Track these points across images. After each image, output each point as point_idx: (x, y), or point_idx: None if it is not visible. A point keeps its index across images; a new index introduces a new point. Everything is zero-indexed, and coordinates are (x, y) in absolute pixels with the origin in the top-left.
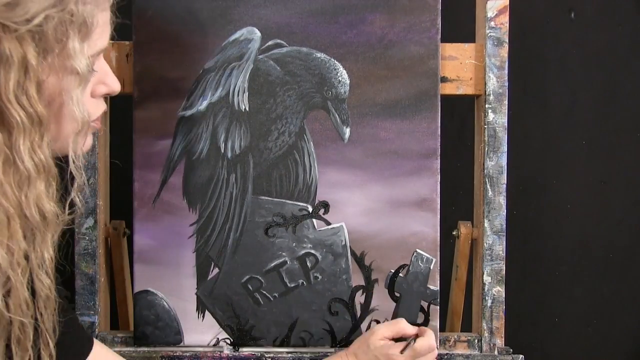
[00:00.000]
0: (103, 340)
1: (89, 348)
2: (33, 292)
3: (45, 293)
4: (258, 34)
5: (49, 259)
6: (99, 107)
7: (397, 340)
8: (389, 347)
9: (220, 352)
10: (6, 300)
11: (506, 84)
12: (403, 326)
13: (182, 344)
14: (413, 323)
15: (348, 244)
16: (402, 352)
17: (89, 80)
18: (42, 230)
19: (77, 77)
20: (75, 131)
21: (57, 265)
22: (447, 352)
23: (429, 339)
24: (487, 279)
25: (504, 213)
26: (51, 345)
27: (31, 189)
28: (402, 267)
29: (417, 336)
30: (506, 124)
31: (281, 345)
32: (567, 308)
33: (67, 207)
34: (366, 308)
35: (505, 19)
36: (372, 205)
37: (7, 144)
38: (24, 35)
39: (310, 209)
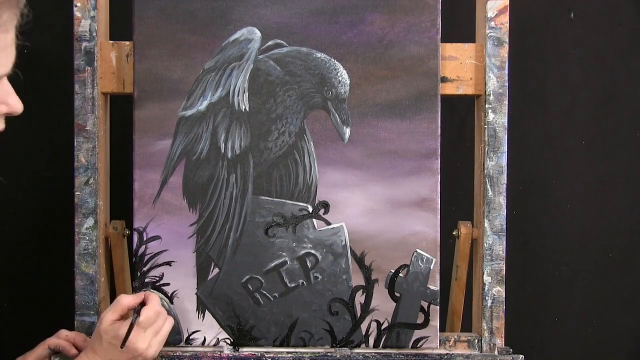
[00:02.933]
0: None
1: None
2: None
3: None
4: (258, 34)
5: None
6: None
7: (126, 317)
8: (118, 329)
9: (221, 352)
10: None
11: (506, 84)
12: (123, 302)
13: (182, 344)
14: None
15: (348, 244)
16: (127, 333)
17: None
18: None
19: None
20: None
21: None
22: (447, 352)
23: (152, 306)
24: (487, 279)
25: (504, 213)
26: None
27: None
28: (402, 267)
29: (142, 305)
30: (506, 124)
31: (281, 345)
32: (567, 308)
33: None
34: (366, 308)
35: (505, 19)
36: (372, 205)
37: None
38: None
39: (311, 209)
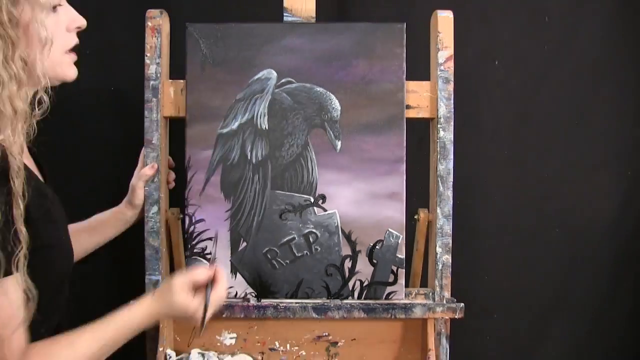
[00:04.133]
0: None
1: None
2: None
3: (15, 166)
4: (275, 74)
5: (20, 143)
6: (72, 40)
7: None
8: (191, 310)
9: (248, 302)
10: None
11: (452, 110)
12: (196, 275)
13: None
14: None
15: (339, 225)
16: (204, 315)
17: (51, 9)
18: (14, 122)
19: (41, 6)
20: (42, 49)
21: None
22: (410, 302)
23: (222, 285)
24: (438, 250)
25: (451, 203)
26: (21, 205)
27: (4, 90)
28: (378, 241)
29: (213, 282)
30: (452, 139)
31: (291, 297)
32: (493, 268)
33: (36, 105)
34: (352, 271)
35: (451, 64)
36: (357, 197)
37: None
38: None
39: (312, 200)
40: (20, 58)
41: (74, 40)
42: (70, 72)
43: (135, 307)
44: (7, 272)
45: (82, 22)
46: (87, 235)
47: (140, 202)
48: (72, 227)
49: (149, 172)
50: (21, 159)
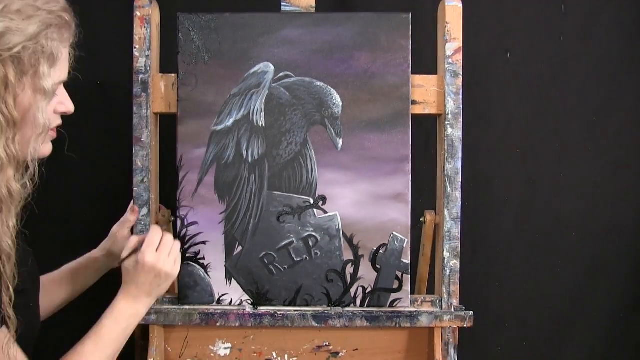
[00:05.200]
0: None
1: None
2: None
3: (7, 252)
4: (272, 67)
5: (12, 226)
6: (56, 120)
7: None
8: (160, 263)
9: (244, 310)
10: None
11: (461, 106)
12: (131, 239)
13: (214, 303)
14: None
15: (341, 228)
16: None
17: (52, 97)
18: (8, 204)
19: (44, 94)
20: (37, 133)
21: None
22: (416, 309)
23: (152, 229)
24: (446, 254)
25: (459, 204)
26: (11, 289)
27: (2, 174)
28: (382, 245)
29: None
30: (461, 136)
31: (290, 305)
32: (505, 275)
33: (19, 186)
34: (354, 277)
35: (459, 57)
36: (359, 198)
37: None
38: (6, 60)
39: (312, 201)
40: (19, 141)
41: (57, 122)
42: (46, 150)
43: (112, 305)
44: None
45: (70, 108)
46: (57, 287)
47: (117, 250)
48: (42, 279)
49: (132, 217)
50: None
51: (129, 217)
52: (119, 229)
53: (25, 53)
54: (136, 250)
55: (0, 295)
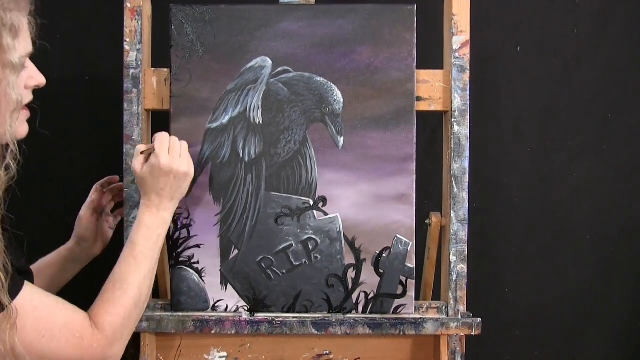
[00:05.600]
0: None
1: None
2: None
3: None
4: (270, 62)
5: None
6: (28, 96)
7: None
8: (176, 162)
9: (240, 316)
10: None
11: (468, 102)
12: (138, 147)
13: (209, 310)
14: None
15: (342, 231)
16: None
17: (21, 70)
18: None
19: (12, 68)
20: (11, 110)
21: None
22: (421, 316)
23: (159, 136)
24: (452, 258)
25: (466, 206)
26: (2, 275)
27: None
28: (385, 249)
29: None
30: (468, 134)
31: (288, 311)
32: (515, 280)
33: (3, 170)
34: (356, 282)
35: (467, 51)
36: (361, 200)
37: None
38: None
39: (312, 203)
40: None
41: (29, 97)
42: (22, 130)
43: (137, 221)
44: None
45: (41, 80)
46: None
47: (87, 234)
48: None
49: (94, 196)
50: None
51: (92, 196)
52: (84, 212)
53: None
54: (147, 157)
55: None
